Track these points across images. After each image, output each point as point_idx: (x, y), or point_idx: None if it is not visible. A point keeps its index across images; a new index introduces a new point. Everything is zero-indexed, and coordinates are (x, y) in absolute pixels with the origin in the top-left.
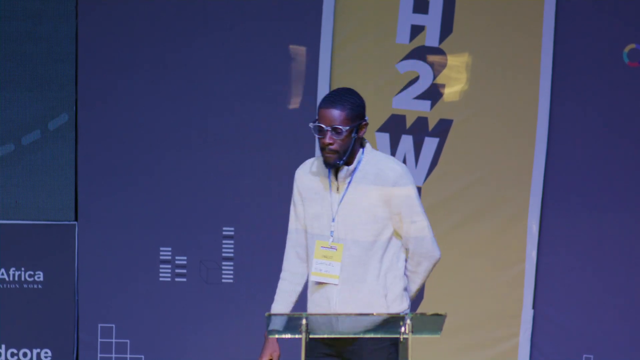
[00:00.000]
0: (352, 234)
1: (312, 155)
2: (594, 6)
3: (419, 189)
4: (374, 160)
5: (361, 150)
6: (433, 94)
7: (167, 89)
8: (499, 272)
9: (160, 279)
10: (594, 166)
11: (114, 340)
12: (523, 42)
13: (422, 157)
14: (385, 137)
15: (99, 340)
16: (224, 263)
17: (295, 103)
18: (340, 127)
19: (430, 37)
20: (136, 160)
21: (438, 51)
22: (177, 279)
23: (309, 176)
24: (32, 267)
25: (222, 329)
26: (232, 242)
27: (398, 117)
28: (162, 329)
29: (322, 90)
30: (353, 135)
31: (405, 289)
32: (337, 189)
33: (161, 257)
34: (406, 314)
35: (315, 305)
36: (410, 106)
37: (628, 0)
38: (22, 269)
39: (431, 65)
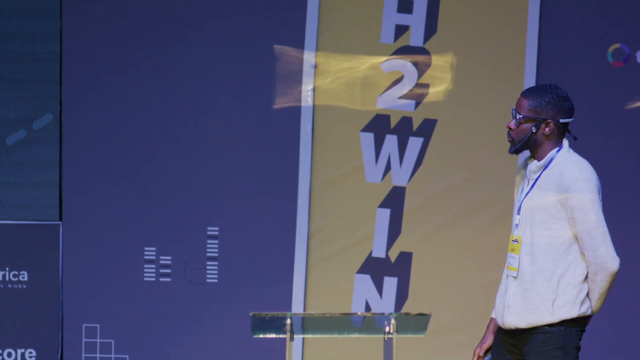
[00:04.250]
0: (529, 230)
1: (297, 155)
2: (578, 6)
3: (403, 189)
4: (563, 161)
5: (556, 149)
6: (417, 93)
7: (152, 89)
8: (485, 272)
9: (145, 278)
10: None
11: (98, 340)
12: (507, 42)
13: (407, 156)
14: (369, 137)
15: (84, 340)
16: (208, 263)
17: (280, 103)
18: (517, 113)
19: (415, 37)
20: (121, 160)
21: (422, 51)
22: (161, 279)
23: (521, 167)
24: (17, 267)
25: (206, 329)
26: (216, 242)
27: (382, 117)
28: (147, 329)
29: (307, 90)
30: (532, 128)
31: (583, 298)
32: (528, 183)
33: (146, 257)
34: (390, 313)
35: (499, 294)
36: (395, 106)
37: (612, 0)
38: (7, 269)
39: (415, 65)
